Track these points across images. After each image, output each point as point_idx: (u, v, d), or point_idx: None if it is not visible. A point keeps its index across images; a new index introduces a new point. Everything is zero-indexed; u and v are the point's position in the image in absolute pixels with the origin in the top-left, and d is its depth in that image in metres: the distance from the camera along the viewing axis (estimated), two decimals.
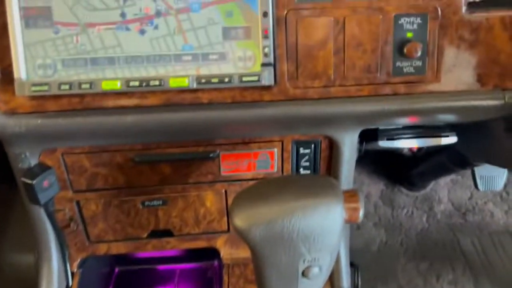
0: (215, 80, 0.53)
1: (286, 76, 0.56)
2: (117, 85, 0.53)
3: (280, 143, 0.66)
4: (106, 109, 0.56)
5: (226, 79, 0.53)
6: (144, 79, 0.53)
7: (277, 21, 0.54)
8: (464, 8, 0.55)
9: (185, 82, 0.54)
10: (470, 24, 0.55)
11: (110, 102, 0.55)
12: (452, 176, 1.33)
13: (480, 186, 1.11)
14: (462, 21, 0.55)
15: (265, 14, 0.52)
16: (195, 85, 0.54)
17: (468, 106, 0.58)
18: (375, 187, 1.34)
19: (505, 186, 1.24)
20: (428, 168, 1.18)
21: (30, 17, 0.51)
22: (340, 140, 0.64)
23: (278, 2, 0.54)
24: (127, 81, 0.53)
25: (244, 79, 0.54)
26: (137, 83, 0.53)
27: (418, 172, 1.22)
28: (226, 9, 0.53)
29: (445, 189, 1.33)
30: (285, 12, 0.54)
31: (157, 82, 0.53)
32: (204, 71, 0.54)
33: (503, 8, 0.56)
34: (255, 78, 0.54)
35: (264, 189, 0.48)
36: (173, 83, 0.54)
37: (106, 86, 0.53)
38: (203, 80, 0.53)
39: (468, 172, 1.18)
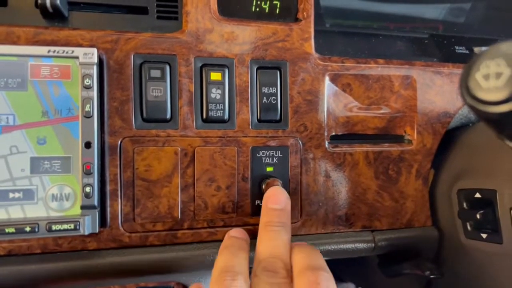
0: (10, 229, 0.39)
1: (120, 218, 0.44)
2: None
3: None
4: None
5: (28, 228, 0.39)
6: None
7: (109, 151, 0.44)
8: (327, 142, 0.50)
9: None
10: (334, 159, 0.51)
11: None
12: None
13: None
14: (325, 156, 0.50)
15: (87, 145, 0.41)
16: None
17: (337, 250, 0.51)
18: None
19: None
20: None
21: None
22: None
23: (111, 127, 0.44)
24: None
25: (55, 227, 0.40)
26: None
27: None
28: (38, 135, 0.41)
29: None
30: (120, 141, 0.44)
31: None
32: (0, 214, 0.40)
33: (366, 143, 0.52)
34: (71, 225, 0.40)
35: None
36: None
37: None
38: None
39: None
